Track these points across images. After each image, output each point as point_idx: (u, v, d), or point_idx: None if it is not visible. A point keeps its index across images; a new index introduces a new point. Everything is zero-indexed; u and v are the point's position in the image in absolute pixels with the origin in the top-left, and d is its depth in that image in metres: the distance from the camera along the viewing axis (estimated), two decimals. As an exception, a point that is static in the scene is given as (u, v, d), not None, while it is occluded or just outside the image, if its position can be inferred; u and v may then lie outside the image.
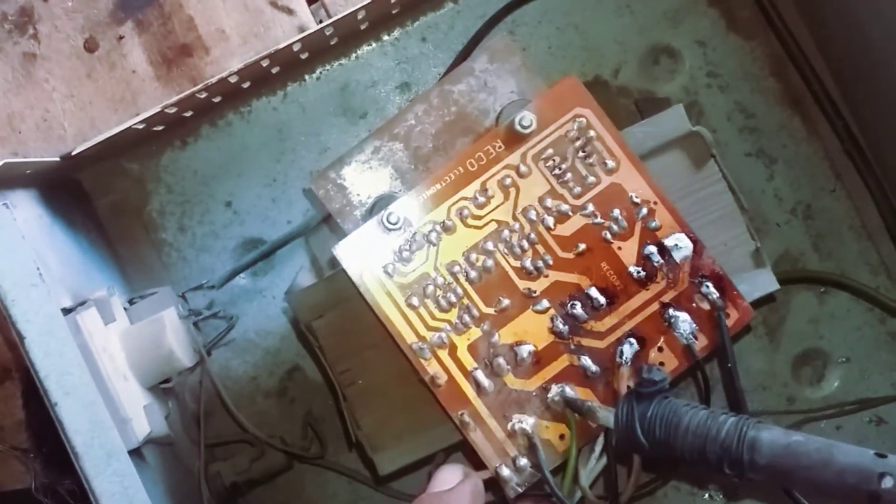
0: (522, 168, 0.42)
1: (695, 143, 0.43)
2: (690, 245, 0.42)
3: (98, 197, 0.46)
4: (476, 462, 0.41)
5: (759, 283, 0.43)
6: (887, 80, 0.43)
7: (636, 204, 0.42)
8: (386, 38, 0.48)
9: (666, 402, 0.36)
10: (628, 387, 0.40)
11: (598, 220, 0.42)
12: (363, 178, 0.44)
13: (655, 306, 0.42)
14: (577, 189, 0.42)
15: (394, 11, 0.47)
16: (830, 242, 0.47)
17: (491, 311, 0.41)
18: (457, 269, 0.41)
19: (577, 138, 0.42)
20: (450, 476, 0.38)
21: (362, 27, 0.46)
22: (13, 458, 0.44)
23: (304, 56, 0.46)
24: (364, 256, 0.41)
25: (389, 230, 0.41)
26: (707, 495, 0.46)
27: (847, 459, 0.32)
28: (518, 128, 0.42)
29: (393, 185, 0.44)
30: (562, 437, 0.41)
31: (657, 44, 0.48)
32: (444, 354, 0.41)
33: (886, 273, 0.47)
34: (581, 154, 0.42)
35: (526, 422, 0.40)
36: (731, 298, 0.42)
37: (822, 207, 0.47)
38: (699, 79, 0.48)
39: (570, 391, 0.41)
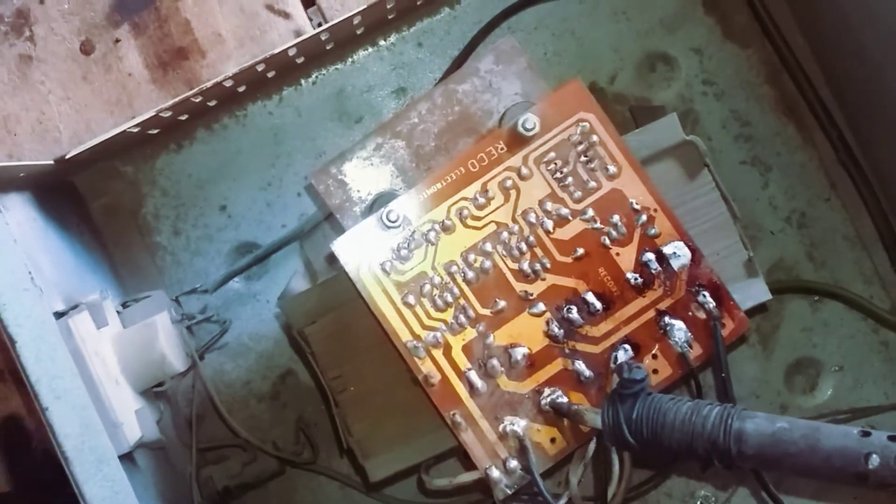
0: (524, 170, 0.42)
1: (688, 152, 0.43)
2: (689, 254, 0.42)
3: (92, 200, 0.46)
4: (467, 463, 0.41)
5: (751, 292, 0.43)
6: (882, 89, 0.43)
7: (636, 210, 0.42)
8: (382, 43, 0.48)
9: (650, 399, 0.36)
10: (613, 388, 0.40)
11: (598, 225, 0.42)
12: (364, 175, 0.44)
13: (651, 313, 0.42)
14: (578, 193, 0.42)
15: (390, 17, 0.47)
16: (824, 251, 0.47)
17: (487, 312, 0.41)
18: (454, 269, 0.41)
19: (580, 143, 0.42)
20: None
21: (358, 32, 0.46)
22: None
23: (299, 60, 0.46)
24: (362, 253, 0.41)
25: (388, 228, 0.41)
26: (698, 503, 0.46)
27: (833, 443, 0.32)
28: (521, 130, 0.42)
29: (394, 182, 0.44)
30: (553, 440, 0.41)
31: (653, 51, 0.48)
32: (438, 354, 0.41)
33: (880, 283, 0.47)
34: (583, 158, 0.42)
35: (518, 424, 0.40)
36: (727, 308, 0.42)
37: (816, 216, 0.47)
38: (695, 86, 0.48)
39: (561, 396, 0.41)
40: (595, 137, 0.42)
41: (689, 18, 0.48)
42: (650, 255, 0.42)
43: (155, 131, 0.46)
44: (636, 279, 0.42)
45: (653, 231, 0.42)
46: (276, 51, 0.42)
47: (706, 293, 0.42)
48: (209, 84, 0.42)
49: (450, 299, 0.41)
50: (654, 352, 0.42)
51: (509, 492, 0.40)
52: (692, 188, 0.44)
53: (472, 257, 0.42)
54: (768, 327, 0.47)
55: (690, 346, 0.41)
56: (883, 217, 0.47)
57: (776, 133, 0.48)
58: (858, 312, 0.47)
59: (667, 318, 0.42)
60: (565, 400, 0.41)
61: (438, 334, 0.41)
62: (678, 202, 0.43)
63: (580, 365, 0.41)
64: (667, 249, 0.42)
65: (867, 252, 0.47)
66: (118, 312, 0.43)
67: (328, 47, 0.46)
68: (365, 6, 0.43)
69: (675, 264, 0.42)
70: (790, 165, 0.48)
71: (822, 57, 0.47)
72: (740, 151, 0.48)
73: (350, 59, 0.47)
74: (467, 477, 0.41)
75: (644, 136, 0.43)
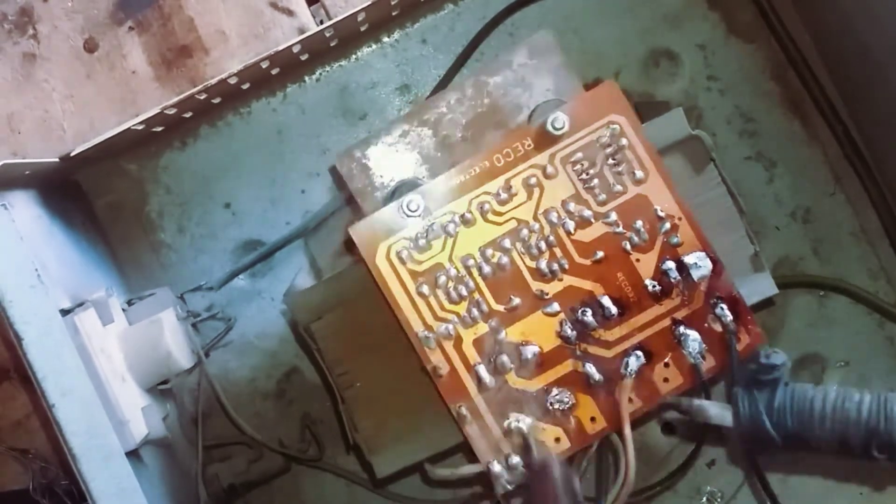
0: (549, 169, 0.42)
1: (694, 147, 0.43)
2: (710, 265, 0.41)
3: (97, 198, 0.46)
4: (471, 457, 0.41)
5: (757, 287, 0.43)
6: (886, 84, 0.43)
7: (660, 218, 0.42)
8: (386, 39, 0.48)
9: (790, 387, 0.33)
10: (744, 372, 0.36)
11: (620, 229, 0.41)
12: (388, 161, 0.44)
13: (667, 322, 0.41)
14: (603, 196, 0.42)
15: (394, 13, 0.46)
16: (830, 246, 0.47)
17: (501, 308, 0.41)
18: (471, 262, 0.41)
19: (609, 145, 0.42)
20: None
21: (362, 29, 0.46)
22: (11, 458, 0.44)
23: (303, 57, 0.46)
24: (379, 239, 0.41)
25: (408, 216, 0.41)
26: (704, 499, 0.46)
27: None
28: (550, 128, 0.41)
29: (417, 170, 0.44)
30: (557, 440, 0.41)
31: (657, 47, 0.48)
32: (448, 346, 0.41)
33: (885, 277, 0.47)
34: (611, 161, 0.42)
35: (523, 421, 0.40)
36: (744, 322, 0.41)
37: (821, 211, 0.47)
38: (699, 82, 0.48)
39: (569, 397, 0.40)
40: (624, 141, 0.42)
41: (693, 14, 0.48)
42: (671, 264, 0.41)
43: (159, 129, 0.46)
44: (654, 286, 0.41)
45: (675, 240, 0.41)
46: (280, 48, 0.42)
47: (724, 306, 0.41)
48: (213, 81, 0.42)
49: (464, 292, 0.41)
50: (666, 360, 0.41)
51: (510, 487, 0.40)
52: (698, 183, 0.43)
53: (489, 252, 0.41)
54: (774, 323, 0.47)
55: (703, 358, 0.41)
56: (888, 212, 0.47)
57: (781, 129, 0.48)
58: (864, 307, 0.47)
59: (682, 328, 0.41)
60: (681, 398, 0.40)
61: (451, 326, 0.41)
62: (684, 197, 0.43)
63: (590, 368, 0.41)
64: (688, 259, 0.41)
65: (872, 247, 0.47)
66: (124, 310, 0.43)
67: (332, 44, 0.46)
68: (369, 2, 0.43)
69: (696, 275, 0.41)
70: (795, 161, 0.48)
71: (827, 54, 0.47)
72: (745, 147, 0.48)
73: (354, 56, 0.47)
74: (469, 469, 0.41)
75: (650, 131, 0.43)
